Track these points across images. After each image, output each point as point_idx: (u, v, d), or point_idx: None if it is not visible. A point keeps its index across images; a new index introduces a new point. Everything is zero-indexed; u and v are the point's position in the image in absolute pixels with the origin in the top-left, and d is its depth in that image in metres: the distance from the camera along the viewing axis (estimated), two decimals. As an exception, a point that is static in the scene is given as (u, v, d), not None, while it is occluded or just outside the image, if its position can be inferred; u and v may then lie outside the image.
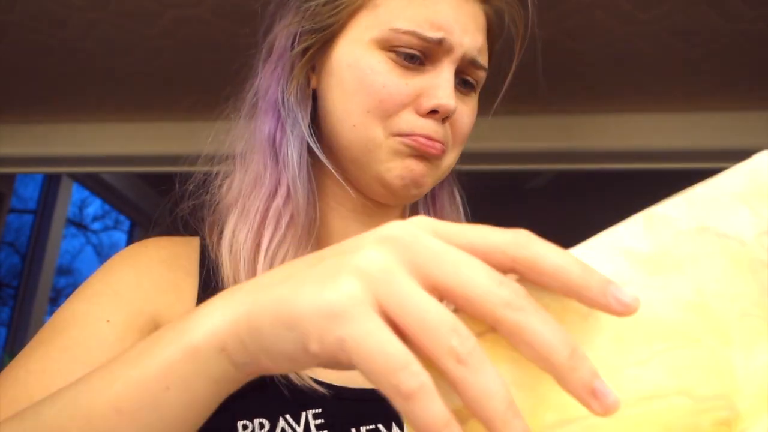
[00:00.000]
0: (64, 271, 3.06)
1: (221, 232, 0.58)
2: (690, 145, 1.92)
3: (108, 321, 0.51)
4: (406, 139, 0.55)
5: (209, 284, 0.56)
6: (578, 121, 1.97)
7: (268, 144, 0.59)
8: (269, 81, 0.61)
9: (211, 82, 1.94)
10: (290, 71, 0.60)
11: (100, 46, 1.71)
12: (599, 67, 1.72)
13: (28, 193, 2.74)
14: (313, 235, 0.59)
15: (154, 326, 0.53)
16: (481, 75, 0.60)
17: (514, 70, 0.66)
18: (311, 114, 0.61)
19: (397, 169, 0.56)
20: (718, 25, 1.52)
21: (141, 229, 3.36)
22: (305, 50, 0.60)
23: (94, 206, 3.30)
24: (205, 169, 0.64)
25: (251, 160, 0.61)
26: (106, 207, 3.26)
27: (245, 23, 1.56)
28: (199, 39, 1.65)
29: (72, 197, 2.87)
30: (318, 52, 0.60)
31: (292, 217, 0.57)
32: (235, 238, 0.56)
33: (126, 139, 2.16)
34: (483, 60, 0.59)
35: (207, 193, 0.63)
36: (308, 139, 0.59)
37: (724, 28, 1.53)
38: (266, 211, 0.57)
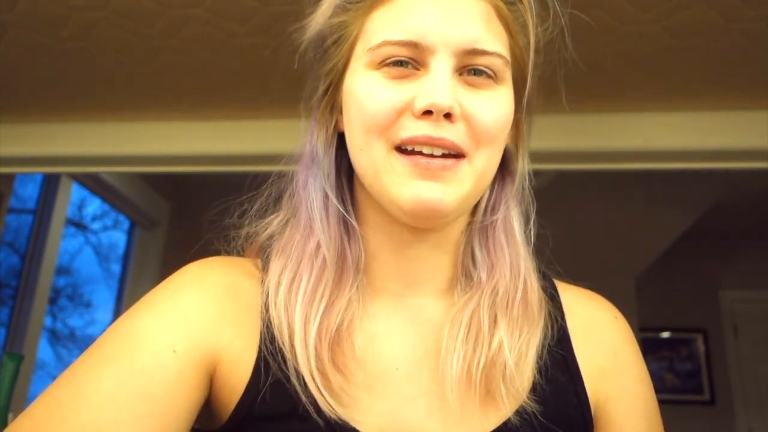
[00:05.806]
0: (63, 271, 3.06)
1: (266, 264, 0.62)
2: (690, 145, 1.92)
3: (174, 351, 0.52)
4: (403, 158, 0.54)
5: (269, 328, 0.58)
6: (578, 121, 1.97)
7: (303, 191, 0.63)
8: (309, 130, 0.65)
9: (211, 82, 1.94)
10: (317, 116, 0.64)
11: (100, 46, 1.71)
12: (600, 67, 1.72)
13: (28, 192, 2.74)
14: (360, 270, 0.61)
15: (212, 360, 0.55)
16: (493, 62, 0.56)
17: (534, 66, 0.62)
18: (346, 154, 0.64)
19: (406, 194, 0.54)
20: (718, 25, 1.52)
21: (141, 229, 3.36)
22: (325, 92, 0.63)
23: (94, 206, 3.29)
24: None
25: (293, 207, 0.64)
26: (106, 207, 3.25)
27: (245, 23, 1.56)
28: (199, 39, 1.65)
29: (71, 197, 2.87)
30: (334, 91, 0.62)
31: (324, 260, 0.59)
32: (279, 279, 0.59)
33: (126, 139, 2.16)
34: (488, 46, 0.56)
35: (254, 220, 0.66)
36: (323, 181, 0.62)
37: (724, 28, 1.53)
38: (303, 255, 0.60)
